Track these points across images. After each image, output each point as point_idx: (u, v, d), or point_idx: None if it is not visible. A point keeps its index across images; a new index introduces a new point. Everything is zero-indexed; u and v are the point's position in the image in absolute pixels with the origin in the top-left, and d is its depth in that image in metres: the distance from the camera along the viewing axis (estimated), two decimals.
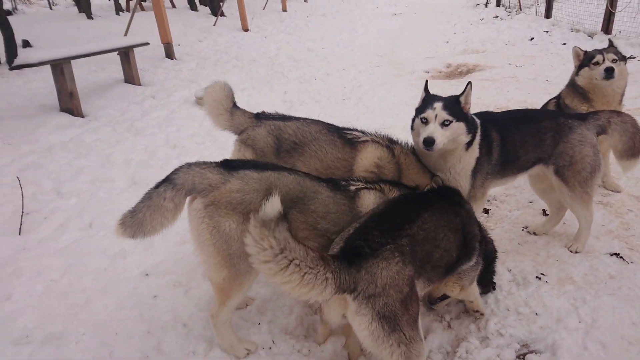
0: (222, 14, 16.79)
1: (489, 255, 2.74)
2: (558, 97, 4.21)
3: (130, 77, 8.09)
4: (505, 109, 6.53)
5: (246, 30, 14.63)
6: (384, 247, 1.97)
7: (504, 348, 2.61)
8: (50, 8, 22.71)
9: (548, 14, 13.32)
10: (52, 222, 3.89)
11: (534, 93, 7.21)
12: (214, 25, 15.00)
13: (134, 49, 8.19)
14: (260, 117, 3.19)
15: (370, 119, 6.59)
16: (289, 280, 1.75)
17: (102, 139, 5.68)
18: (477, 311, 2.79)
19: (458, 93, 2.88)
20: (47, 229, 3.81)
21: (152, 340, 2.68)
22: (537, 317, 2.77)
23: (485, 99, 7.06)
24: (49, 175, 4.70)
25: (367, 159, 2.90)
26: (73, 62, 6.69)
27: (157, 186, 2.31)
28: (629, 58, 3.99)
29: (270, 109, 6.62)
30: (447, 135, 2.77)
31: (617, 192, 4.09)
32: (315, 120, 3.19)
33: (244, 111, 3.23)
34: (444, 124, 2.76)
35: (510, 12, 15.76)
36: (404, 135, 5.69)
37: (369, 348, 1.97)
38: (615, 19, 10.00)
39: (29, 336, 2.71)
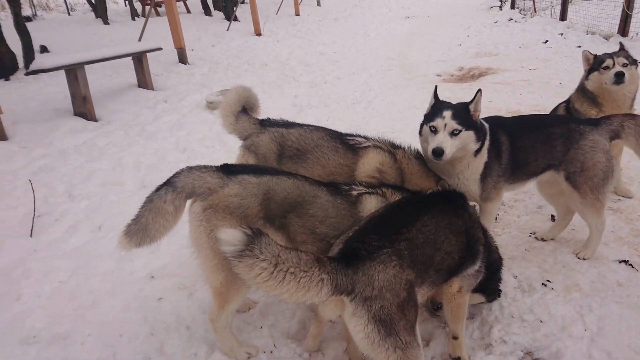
0: (236, 19, 16.93)
1: (494, 264, 2.70)
2: (568, 102, 4.15)
3: (144, 81, 8.21)
4: (517, 113, 6.53)
5: (259, 34, 14.73)
6: (381, 250, 1.97)
7: (507, 355, 2.58)
8: (69, 14, 23.17)
9: (563, 17, 13.14)
10: (62, 225, 3.97)
11: (546, 97, 7.12)
12: (227, 30, 15.14)
13: (148, 54, 8.31)
14: (265, 123, 3.23)
15: (380, 123, 6.58)
16: (287, 289, 1.77)
17: (114, 143, 5.78)
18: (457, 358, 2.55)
19: (469, 97, 2.86)
20: (57, 231, 3.88)
21: (155, 342, 2.72)
22: (541, 324, 2.73)
23: (497, 103, 7.00)
24: (62, 178, 4.79)
25: (369, 164, 2.91)
26: (89, 67, 6.83)
27: (158, 189, 2.36)
28: None
29: (280, 113, 6.75)
30: (456, 144, 2.75)
31: (629, 197, 4.01)
32: (318, 127, 3.21)
33: (250, 117, 3.27)
34: (453, 134, 2.74)
35: (524, 15, 15.59)
36: (412, 140, 5.70)
37: (365, 351, 1.97)
38: (632, 20, 9.83)
39: (36, 336, 2.77)
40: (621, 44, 4.06)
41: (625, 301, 2.83)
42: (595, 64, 3.91)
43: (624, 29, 9.97)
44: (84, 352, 2.65)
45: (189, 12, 20.41)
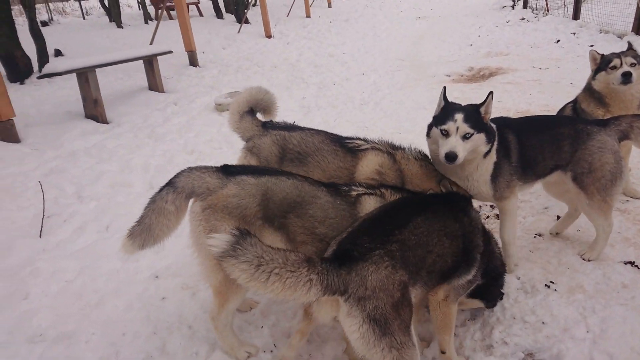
0: (247, 22, 17.05)
1: (495, 270, 2.68)
2: (575, 102, 4.10)
3: (154, 84, 8.32)
4: (526, 114, 6.46)
5: (269, 36, 14.81)
6: (373, 251, 1.97)
7: (508, 357, 2.57)
8: (84, 18, 23.58)
9: (576, 15, 12.96)
10: (71, 225, 4.05)
11: (557, 97, 7.03)
12: (238, 32, 15.25)
13: (159, 57, 8.43)
14: (267, 126, 3.25)
15: (387, 123, 6.58)
16: (273, 289, 1.80)
17: (123, 145, 5.87)
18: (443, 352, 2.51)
19: (478, 97, 2.85)
20: (65, 231, 3.96)
21: (157, 341, 2.76)
22: (543, 326, 2.71)
23: (506, 103, 6.93)
24: (71, 179, 4.89)
25: (368, 166, 2.92)
26: (101, 70, 6.96)
27: (160, 190, 2.41)
28: None
29: (288, 114, 6.78)
30: (468, 148, 2.73)
31: (637, 198, 3.95)
32: (319, 131, 3.23)
33: (254, 119, 3.30)
34: (465, 137, 2.70)
35: (537, 14, 15.42)
36: (419, 140, 5.67)
37: (361, 352, 1.98)
38: None
39: (42, 335, 2.83)
40: (629, 43, 4.01)
41: (630, 303, 2.79)
42: (602, 63, 3.85)
43: (638, 28, 9.79)
44: (87, 351, 2.70)
45: (201, 15, 20.64)
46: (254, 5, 20.67)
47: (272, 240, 2.42)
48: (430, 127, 2.92)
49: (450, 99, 2.96)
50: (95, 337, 2.80)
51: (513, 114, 6.33)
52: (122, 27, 17.76)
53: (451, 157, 2.66)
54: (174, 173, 2.54)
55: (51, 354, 2.67)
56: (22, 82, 8.66)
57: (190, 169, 2.45)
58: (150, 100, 7.85)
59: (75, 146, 5.77)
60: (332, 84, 9.08)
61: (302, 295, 1.84)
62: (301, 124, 6.10)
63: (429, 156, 3.08)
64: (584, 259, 3.24)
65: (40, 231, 3.93)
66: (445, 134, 2.74)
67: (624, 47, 4.06)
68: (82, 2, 24.62)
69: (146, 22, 19.30)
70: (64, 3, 27.61)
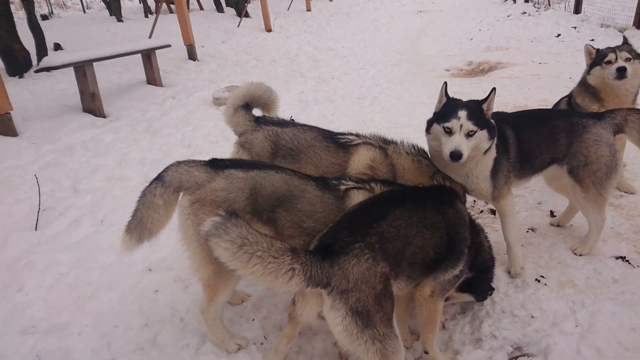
0: (247, 15, 17.00)
1: (484, 264, 2.68)
2: (570, 96, 4.10)
3: (152, 78, 8.32)
4: (524, 108, 6.43)
5: (269, 30, 14.77)
6: (354, 245, 1.99)
7: (497, 350, 2.58)
8: (84, 11, 23.54)
9: (577, 10, 12.91)
10: (66, 219, 4.07)
11: (555, 91, 7.00)
12: (238, 26, 15.22)
13: (158, 51, 8.41)
14: (260, 121, 3.24)
15: (384, 118, 6.58)
16: (253, 271, 1.83)
17: (120, 139, 5.88)
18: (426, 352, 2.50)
19: (477, 91, 2.83)
20: (61, 224, 3.98)
21: (148, 333, 2.78)
22: (532, 320, 2.72)
23: (504, 97, 6.92)
24: (68, 173, 4.90)
25: (360, 161, 2.92)
26: (99, 64, 6.95)
27: (150, 184, 2.42)
28: None
29: (285, 109, 6.78)
30: (472, 145, 2.68)
31: (631, 193, 3.95)
32: (311, 127, 3.22)
33: (247, 113, 3.28)
34: (469, 134, 2.65)
35: (538, 8, 15.35)
36: (416, 135, 5.66)
37: (344, 345, 1.99)
38: None
39: (35, 326, 2.85)
40: (625, 38, 3.99)
41: (620, 297, 2.80)
42: (597, 58, 3.84)
43: (639, 22, 9.75)
44: (80, 342, 2.72)
45: (201, 8, 20.59)
46: None
47: None
48: (430, 123, 2.85)
49: (449, 93, 2.91)
50: (88, 328, 2.82)
51: (511, 108, 6.33)
52: (122, 21, 17.74)
53: (456, 155, 2.59)
54: None
55: (44, 345, 2.69)
56: (20, 76, 8.66)
57: (178, 162, 2.46)
58: (149, 94, 7.85)
59: (72, 140, 5.78)
60: (330, 79, 9.06)
61: (284, 284, 1.85)
62: (298, 119, 6.13)
63: (428, 152, 3.04)
64: (575, 254, 3.24)
65: (36, 224, 3.95)
66: (449, 132, 2.67)
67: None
68: None
69: (146, 16, 19.28)
70: None
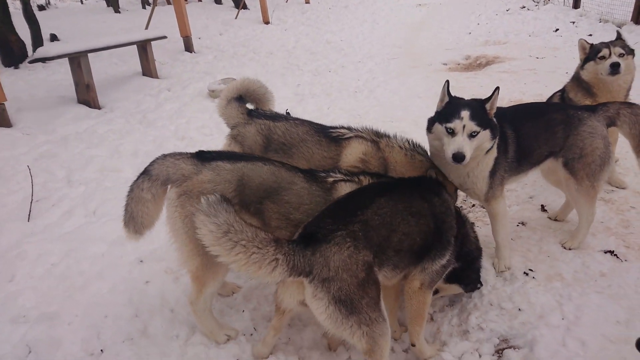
0: (245, 7, 16.92)
1: (470, 254, 2.70)
2: (563, 91, 4.10)
3: (148, 70, 8.29)
4: (519, 102, 6.43)
5: (267, 23, 14.70)
6: (336, 233, 2.00)
7: (483, 342, 2.61)
8: (81, 2, 23.39)
9: (576, 4, 12.84)
10: (59, 209, 4.08)
11: (551, 86, 6.96)
12: (236, 18, 15.15)
13: (155, 43, 8.37)
14: (253, 114, 3.24)
15: (380, 112, 6.56)
16: (236, 260, 1.84)
17: (114, 130, 5.87)
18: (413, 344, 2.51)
19: (473, 86, 2.79)
20: (53, 215, 3.99)
21: (138, 323, 2.80)
22: (519, 312, 2.74)
23: (500, 92, 6.86)
24: (61, 164, 4.90)
25: (352, 154, 2.92)
26: (95, 55, 6.92)
27: (137, 178, 2.43)
28: None
29: (281, 102, 6.76)
30: (474, 145, 2.64)
31: (622, 188, 3.96)
32: (304, 121, 3.22)
33: (240, 106, 3.26)
34: (472, 135, 2.61)
35: (537, 3, 15.27)
36: (411, 129, 5.66)
37: (330, 331, 2.03)
38: None
39: (26, 316, 2.87)
40: (618, 33, 3.98)
41: (606, 291, 2.82)
42: (591, 53, 3.83)
43: (637, 17, 9.72)
44: (69, 332, 2.73)
45: (199, 0, 20.46)
46: None
47: None
48: (431, 121, 2.80)
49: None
50: (78, 318, 2.84)
51: (506, 102, 6.32)
52: (119, 12, 17.64)
53: (459, 157, 2.55)
54: None
55: (34, 334, 2.70)
56: (16, 67, 8.63)
57: (164, 155, 2.47)
58: (144, 86, 7.83)
59: (66, 131, 5.78)
60: (327, 72, 9.04)
61: (268, 274, 1.87)
62: (294, 112, 6.13)
63: (429, 151, 3.02)
64: (565, 248, 3.26)
65: (29, 215, 3.96)
66: (451, 133, 2.63)
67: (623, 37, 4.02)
68: None
69: (144, 7, 19.17)
70: None
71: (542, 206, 3.84)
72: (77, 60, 6.48)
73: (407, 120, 6.06)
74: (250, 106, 3.37)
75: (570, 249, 3.23)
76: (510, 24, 12.68)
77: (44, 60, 6.31)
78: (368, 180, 2.63)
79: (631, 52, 3.79)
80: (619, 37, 3.90)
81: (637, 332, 2.45)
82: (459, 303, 2.93)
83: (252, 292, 3.08)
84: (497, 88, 2.75)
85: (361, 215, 2.10)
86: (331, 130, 3.11)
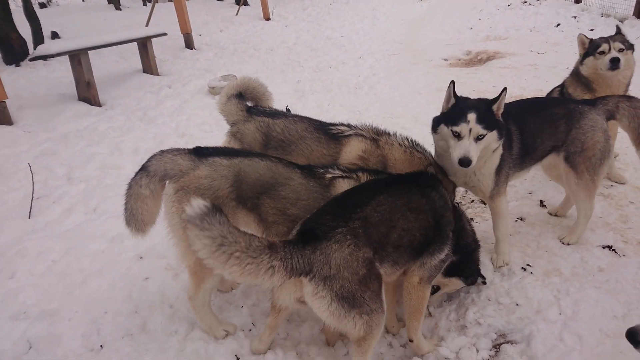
0: (246, 4, 16.88)
1: (467, 247, 2.71)
2: (562, 86, 4.09)
3: (148, 67, 8.29)
4: (519, 98, 6.41)
5: (267, 19, 14.67)
6: (336, 230, 2.00)
7: (481, 337, 2.62)
8: None
9: None
10: (59, 207, 4.10)
11: (552, 81, 6.92)
12: (236, 14, 15.12)
13: (155, 40, 8.37)
14: (252, 111, 3.24)
15: (380, 108, 6.56)
16: (232, 271, 1.84)
17: (114, 127, 5.89)
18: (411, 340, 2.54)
19: (473, 81, 2.78)
20: (54, 212, 4.01)
21: (138, 319, 2.82)
22: (517, 307, 2.75)
23: (500, 87, 6.86)
24: (62, 161, 4.92)
25: (351, 152, 2.93)
26: (96, 52, 6.91)
27: (135, 175, 2.44)
28: None
29: (281, 98, 6.77)
30: (481, 148, 2.63)
31: (621, 183, 3.96)
32: (303, 118, 3.23)
33: (240, 103, 3.27)
34: (478, 138, 2.59)
35: None
36: (411, 125, 5.65)
37: (332, 326, 2.04)
38: None
39: (26, 312, 2.89)
40: (618, 27, 3.97)
41: (604, 286, 2.83)
42: (590, 48, 3.83)
43: (639, 11, 9.67)
44: (70, 328, 2.76)
45: None
46: None
47: (245, 221, 2.46)
48: (437, 122, 2.77)
49: (445, 83, 2.84)
50: (78, 315, 2.86)
51: (507, 98, 6.29)
52: (120, 9, 17.64)
53: (466, 162, 2.55)
54: None
55: (34, 330, 2.73)
56: (17, 65, 8.63)
57: (162, 152, 2.48)
58: (144, 83, 7.84)
59: (67, 128, 5.79)
60: (328, 68, 9.03)
61: (266, 281, 1.87)
62: (295, 108, 6.12)
63: (433, 152, 3.01)
64: (563, 243, 3.27)
65: (29, 212, 3.98)
66: (457, 136, 2.61)
67: (625, 32, 4.00)
68: None
69: (144, 4, 19.16)
70: None
71: (541, 201, 3.84)
72: (78, 58, 6.49)
73: (407, 117, 6.06)
74: (249, 104, 3.38)
75: (568, 244, 3.24)
76: (511, 19, 12.61)
77: (44, 57, 6.32)
78: (366, 176, 2.63)
79: (631, 47, 3.78)
80: (619, 31, 3.89)
81: None
82: (456, 298, 2.94)
83: (250, 288, 3.09)
84: (505, 89, 2.72)
85: (361, 212, 2.11)
86: (330, 128, 3.11)
